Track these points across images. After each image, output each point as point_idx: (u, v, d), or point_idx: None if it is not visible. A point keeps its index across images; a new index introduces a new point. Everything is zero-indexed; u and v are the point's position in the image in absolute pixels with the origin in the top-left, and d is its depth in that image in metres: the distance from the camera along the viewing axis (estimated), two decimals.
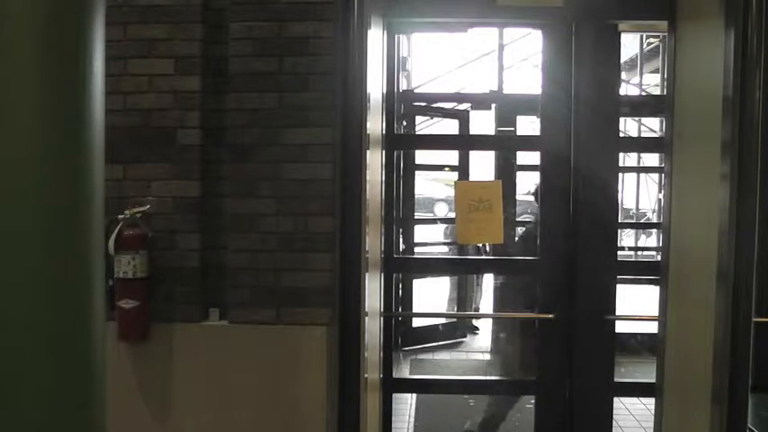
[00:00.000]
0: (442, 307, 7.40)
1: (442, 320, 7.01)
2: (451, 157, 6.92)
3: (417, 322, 6.78)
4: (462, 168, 6.56)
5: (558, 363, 3.25)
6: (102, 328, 1.08)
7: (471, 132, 6.70)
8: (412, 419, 4.81)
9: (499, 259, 4.46)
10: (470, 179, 6.07)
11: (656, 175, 9.60)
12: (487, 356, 6.49)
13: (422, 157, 6.76)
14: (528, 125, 5.51)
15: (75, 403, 1.01)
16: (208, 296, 2.58)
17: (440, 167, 7.41)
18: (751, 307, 2.34)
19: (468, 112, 6.77)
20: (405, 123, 6.36)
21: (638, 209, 11.58)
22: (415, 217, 7.59)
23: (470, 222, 3.61)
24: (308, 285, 2.49)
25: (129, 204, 2.48)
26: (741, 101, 2.31)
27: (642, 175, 11.12)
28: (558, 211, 3.24)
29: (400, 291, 6.26)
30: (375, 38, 2.75)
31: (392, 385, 3.42)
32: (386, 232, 3.28)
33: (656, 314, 3.02)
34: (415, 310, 6.90)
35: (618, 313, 3.41)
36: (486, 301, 7.20)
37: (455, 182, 3.87)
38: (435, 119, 8.23)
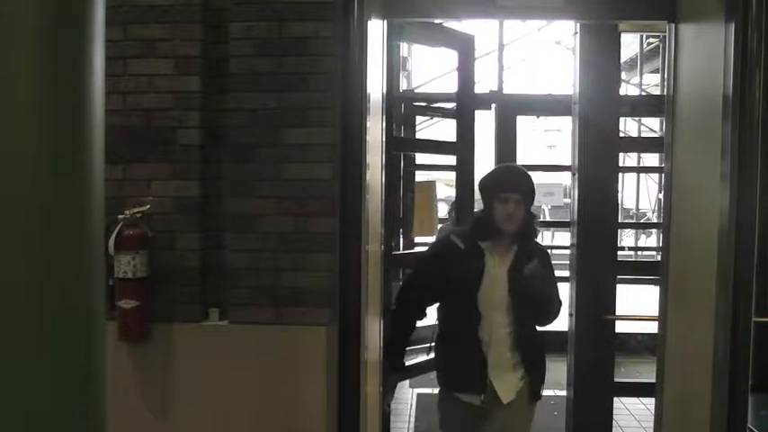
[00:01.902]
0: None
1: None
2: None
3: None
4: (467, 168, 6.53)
5: None
6: (102, 328, 1.08)
7: (476, 132, 6.68)
8: (412, 420, 4.81)
9: None
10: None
11: (656, 175, 9.61)
12: None
13: (422, 157, 6.73)
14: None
15: (76, 403, 1.01)
16: (208, 296, 2.57)
17: (440, 168, 7.38)
18: (751, 307, 2.34)
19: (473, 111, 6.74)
20: (404, 124, 6.34)
21: (638, 209, 11.60)
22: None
23: (422, 217, 3.76)
24: (307, 285, 2.49)
25: (129, 204, 2.47)
26: (741, 101, 2.31)
27: (642, 175, 11.13)
28: None
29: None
30: (375, 38, 2.74)
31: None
32: (386, 232, 3.28)
33: (656, 314, 3.02)
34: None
35: (618, 313, 3.42)
36: None
37: (416, 182, 3.91)
38: (436, 119, 8.21)
